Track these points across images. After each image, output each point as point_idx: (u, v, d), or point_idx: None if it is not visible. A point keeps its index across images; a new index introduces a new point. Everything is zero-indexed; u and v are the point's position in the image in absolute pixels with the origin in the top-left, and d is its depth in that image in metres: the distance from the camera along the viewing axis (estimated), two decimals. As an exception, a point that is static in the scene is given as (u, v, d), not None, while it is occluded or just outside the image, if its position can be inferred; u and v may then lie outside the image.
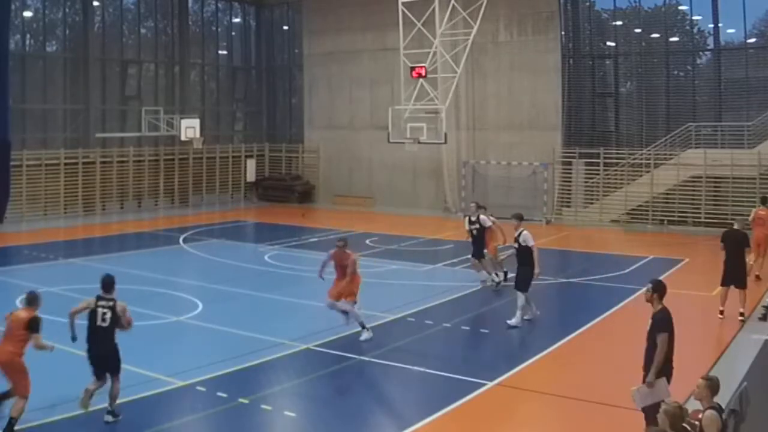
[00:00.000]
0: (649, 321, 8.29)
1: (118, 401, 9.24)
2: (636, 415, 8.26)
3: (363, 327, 12.79)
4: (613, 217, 27.58)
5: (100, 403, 9.48)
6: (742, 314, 13.97)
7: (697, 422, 6.70)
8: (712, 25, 27.27)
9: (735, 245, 14.15)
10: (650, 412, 7.80)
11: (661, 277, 9.72)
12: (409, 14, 25.41)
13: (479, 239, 16.86)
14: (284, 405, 10.18)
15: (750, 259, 15.90)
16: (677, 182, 26.29)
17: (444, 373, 11.24)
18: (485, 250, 16.97)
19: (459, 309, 15.58)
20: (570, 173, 28.85)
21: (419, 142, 25.74)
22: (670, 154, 26.52)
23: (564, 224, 27.75)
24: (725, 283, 14.25)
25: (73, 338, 9.28)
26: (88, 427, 9.12)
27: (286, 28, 37.77)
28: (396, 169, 32.22)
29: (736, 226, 14.60)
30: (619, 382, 9.14)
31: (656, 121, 27.91)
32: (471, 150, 30.74)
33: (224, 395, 10.05)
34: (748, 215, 18.23)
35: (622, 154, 27.70)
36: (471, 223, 17.01)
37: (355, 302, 12.83)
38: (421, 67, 25.13)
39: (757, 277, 17.22)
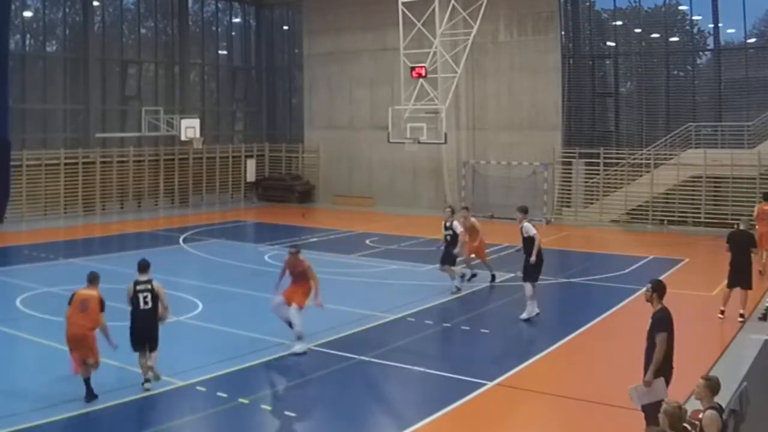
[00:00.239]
0: (649, 321, 8.29)
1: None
2: (636, 415, 8.26)
3: (299, 338, 11.98)
4: (613, 217, 27.57)
5: (100, 403, 9.51)
6: (742, 315, 13.92)
7: (697, 422, 6.71)
8: (712, 25, 27.26)
9: (740, 246, 14.03)
10: (650, 412, 7.80)
11: (661, 277, 9.69)
12: (409, 14, 25.44)
13: (452, 246, 16.46)
14: (284, 405, 10.20)
15: (758, 256, 15.81)
16: (677, 182, 26.27)
17: (444, 373, 11.24)
18: (462, 257, 16.81)
19: (459, 309, 15.61)
20: (570, 173, 28.84)
21: (419, 142, 25.76)
22: (670, 154, 26.50)
23: (564, 224, 27.72)
24: (731, 285, 14.09)
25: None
26: (88, 428, 9.14)
27: (286, 28, 37.77)
28: (396, 169, 32.24)
29: (741, 227, 14.45)
30: (620, 382, 9.12)
31: (656, 121, 27.90)
32: (471, 150, 30.74)
33: (224, 395, 10.04)
34: (750, 214, 18.19)
35: (622, 154, 27.69)
36: (445, 228, 16.64)
37: (302, 308, 12.08)
38: (421, 67, 25.15)
39: (760, 272, 17.19)
